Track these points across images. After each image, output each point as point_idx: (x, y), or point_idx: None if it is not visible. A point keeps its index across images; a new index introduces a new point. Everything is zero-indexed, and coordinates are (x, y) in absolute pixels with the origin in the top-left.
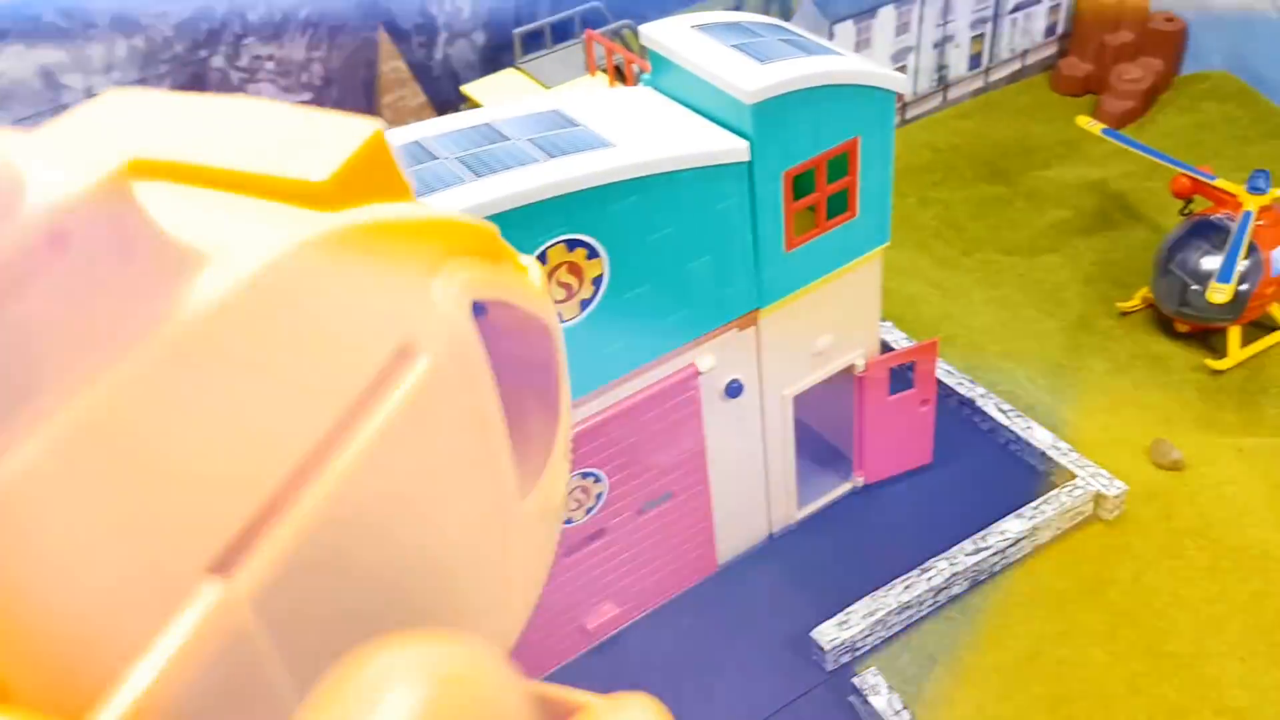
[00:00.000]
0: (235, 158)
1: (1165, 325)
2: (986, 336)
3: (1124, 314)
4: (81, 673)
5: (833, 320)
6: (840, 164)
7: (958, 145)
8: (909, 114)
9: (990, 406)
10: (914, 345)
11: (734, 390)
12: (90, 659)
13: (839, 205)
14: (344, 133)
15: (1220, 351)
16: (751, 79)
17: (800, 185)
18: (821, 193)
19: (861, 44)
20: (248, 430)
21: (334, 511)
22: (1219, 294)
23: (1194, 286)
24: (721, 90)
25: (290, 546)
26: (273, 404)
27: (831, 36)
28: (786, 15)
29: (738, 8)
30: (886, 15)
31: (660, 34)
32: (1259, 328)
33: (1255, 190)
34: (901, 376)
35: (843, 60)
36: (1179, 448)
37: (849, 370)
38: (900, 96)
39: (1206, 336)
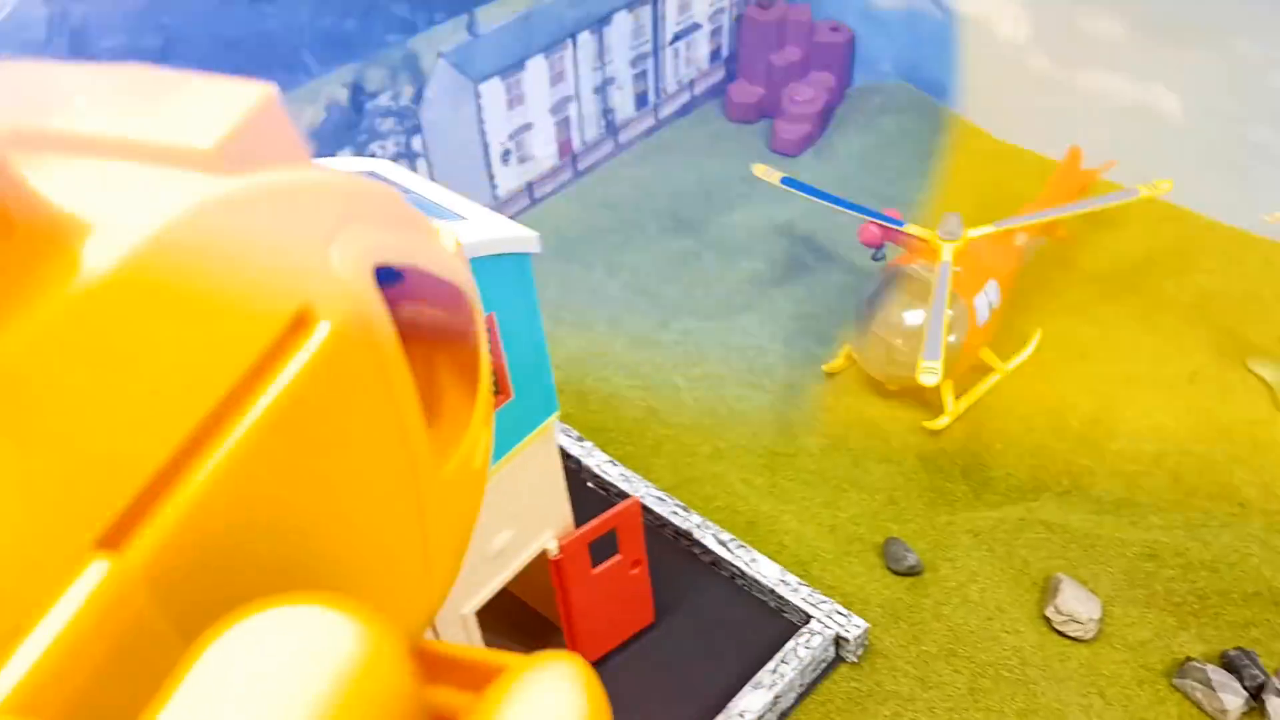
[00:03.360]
0: (122, 126)
1: (874, 383)
2: (695, 434)
3: (831, 375)
4: None
5: (509, 513)
6: None
7: (636, 198)
8: (580, 166)
9: (709, 538)
10: (612, 510)
11: None
12: None
13: None
14: (233, 97)
15: (935, 407)
16: None
17: None
18: None
19: (514, 100)
20: (132, 401)
21: (231, 482)
22: (929, 375)
23: (900, 341)
24: None
25: (184, 519)
26: (159, 374)
27: (478, 97)
28: (419, 83)
29: (357, 84)
30: (537, 66)
31: None
32: (974, 370)
33: (948, 236)
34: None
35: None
36: (911, 541)
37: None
38: (571, 147)
39: (920, 391)
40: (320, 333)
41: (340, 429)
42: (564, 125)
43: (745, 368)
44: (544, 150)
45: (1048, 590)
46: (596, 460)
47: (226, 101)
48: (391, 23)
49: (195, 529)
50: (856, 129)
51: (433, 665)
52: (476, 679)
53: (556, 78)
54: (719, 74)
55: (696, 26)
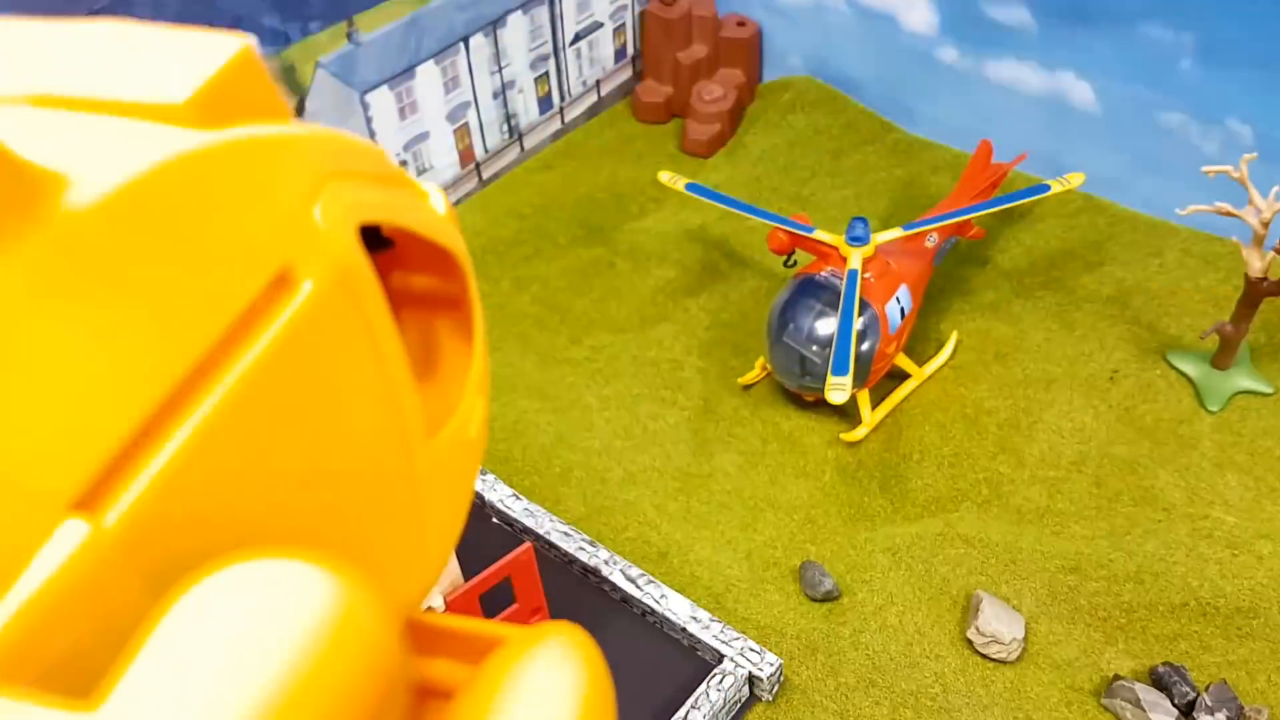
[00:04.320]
0: (95, 81)
1: (791, 394)
2: (606, 459)
3: (747, 387)
4: None
5: None
6: None
7: (544, 205)
8: (485, 174)
9: (617, 574)
10: (504, 559)
11: None
12: None
13: None
14: (209, 50)
15: (853, 417)
16: None
17: None
18: None
19: (407, 109)
20: (107, 359)
21: (212, 444)
22: (838, 392)
23: (813, 351)
24: None
25: (163, 482)
26: (134, 331)
27: (366, 107)
28: (299, 95)
29: None
30: (428, 73)
31: None
32: (889, 377)
33: (855, 242)
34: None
35: None
36: (829, 564)
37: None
38: (473, 155)
39: None
40: (303, 292)
41: (324, 391)
42: (464, 132)
43: (660, 383)
44: (444, 160)
45: (968, 610)
46: (500, 494)
47: (201, 55)
48: (261, 35)
49: (175, 491)
50: (768, 127)
51: (429, 637)
52: (474, 651)
53: (451, 84)
54: (625, 73)
55: (599, 25)
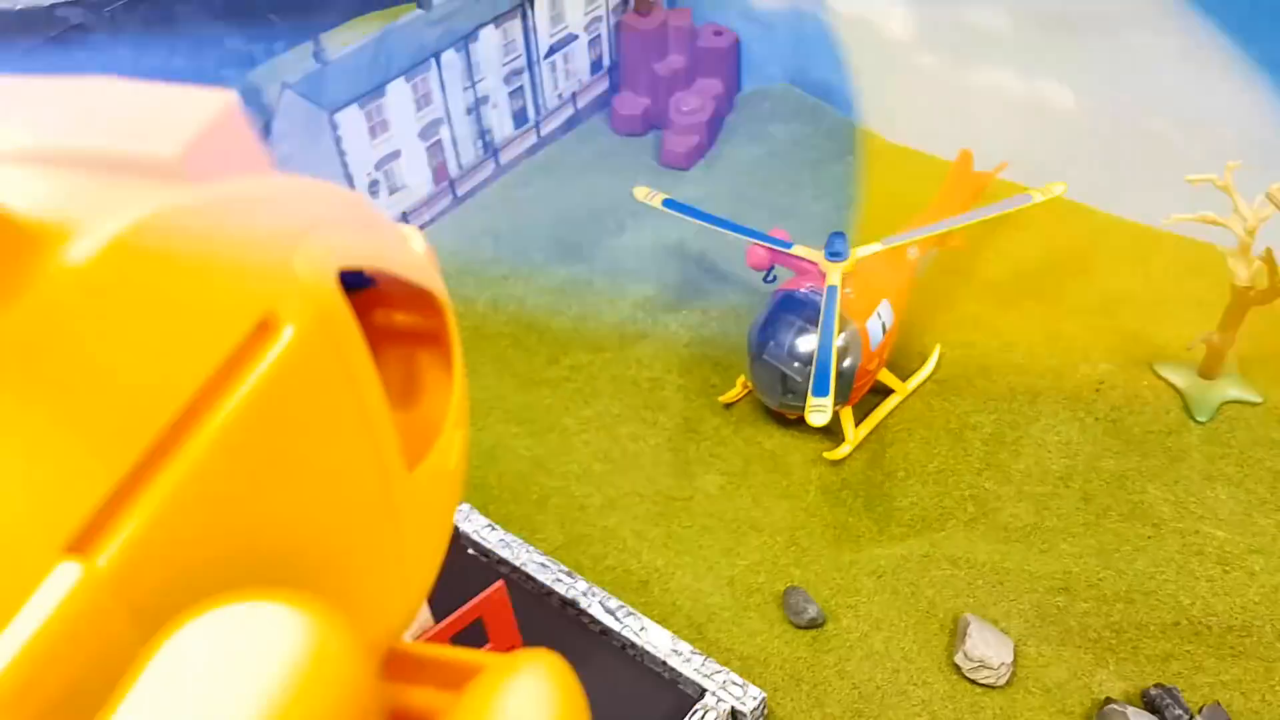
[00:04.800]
0: (85, 137)
1: (773, 412)
2: (586, 484)
3: (728, 405)
4: None
5: None
6: None
7: (521, 224)
8: (459, 191)
9: (596, 606)
10: (477, 598)
11: None
12: None
13: None
14: (195, 106)
15: (836, 435)
16: None
17: None
18: None
19: (378, 127)
20: (98, 406)
21: (199, 486)
22: (819, 414)
23: (794, 368)
24: None
25: (152, 523)
26: (124, 379)
27: (335, 127)
28: (265, 117)
29: None
30: (399, 91)
31: None
32: (872, 393)
33: (835, 257)
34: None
35: None
36: (813, 588)
37: None
38: (447, 173)
39: None
40: (285, 337)
41: (307, 432)
42: (436, 150)
43: (640, 403)
44: (416, 178)
45: (956, 633)
46: (475, 525)
47: (188, 110)
48: (226, 57)
49: (164, 532)
50: (747, 138)
51: (412, 665)
52: (456, 678)
53: (423, 100)
54: (602, 85)
55: (573, 37)
